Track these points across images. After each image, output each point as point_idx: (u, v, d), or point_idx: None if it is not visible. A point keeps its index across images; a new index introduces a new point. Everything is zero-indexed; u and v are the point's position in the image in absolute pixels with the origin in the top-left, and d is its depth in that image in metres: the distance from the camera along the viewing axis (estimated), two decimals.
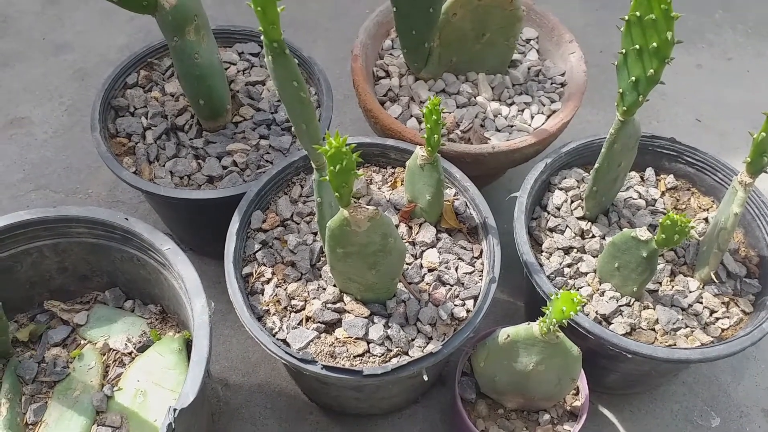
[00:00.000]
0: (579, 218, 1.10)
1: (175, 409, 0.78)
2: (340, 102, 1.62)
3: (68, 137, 1.54)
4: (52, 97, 1.63)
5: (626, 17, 0.80)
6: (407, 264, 1.00)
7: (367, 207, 0.79)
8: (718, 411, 1.18)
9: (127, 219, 0.96)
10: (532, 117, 1.21)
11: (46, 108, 1.60)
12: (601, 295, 1.02)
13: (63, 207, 0.98)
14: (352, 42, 1.26)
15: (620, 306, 1.01)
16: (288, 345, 0.91)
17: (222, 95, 1.13)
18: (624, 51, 0.83)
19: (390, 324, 0.93)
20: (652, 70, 0.81)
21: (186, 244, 1.32)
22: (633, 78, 0.84)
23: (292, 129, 1.18)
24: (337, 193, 0.74)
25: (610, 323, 1.00)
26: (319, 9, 1.86)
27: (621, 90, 0.87)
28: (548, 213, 1.12)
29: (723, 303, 1.03)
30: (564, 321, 0.79)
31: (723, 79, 1.76)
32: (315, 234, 1.03)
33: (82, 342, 1.01)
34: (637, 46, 0.80)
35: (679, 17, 0.75)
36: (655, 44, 0.78)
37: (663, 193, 1.16)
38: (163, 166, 1.13)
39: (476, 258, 1.02)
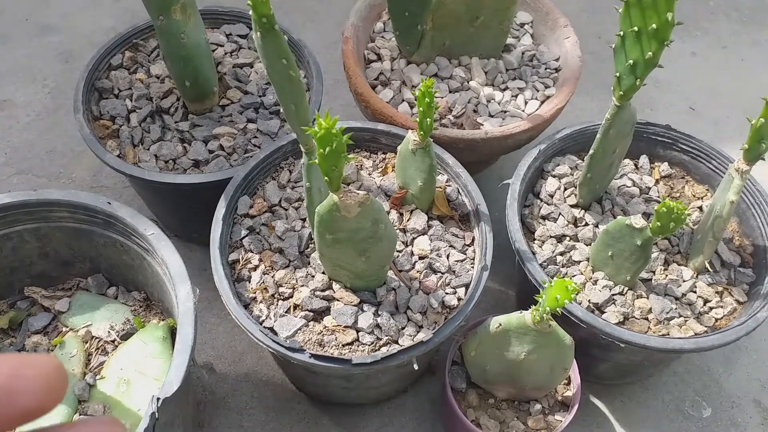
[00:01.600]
0: (572, 206, 1.08)
1: (158, 398, 0.76)
2: (330, 87, 1.59)
3: (52, 120, 1.51)
4: (35, 79, 1.59)
5: None
6: (398, 251, 0.98)
7: (358, 192, 0.76)
8: (710, 401, 1.17)
9: (110, 203, 0.93)
10: (526, 102, 1.19)
11: (29, 90, 1.57)
12: (594, 284, 1.01)
13: (44, 190, 0.95)
14: (342, 26, 1.23)
15: (613, 295, 0.99)
16: (275, 333, 0.89)
17: (208, 77, 1.10)
18: (622, 33, 0.81)
19: (380, 312, 0.91)
20: (650, 53, 0.79)
21: (171, 230, 1.29)
22: (630, 61, 0.82)
23: (281, 112, 1.16)
24: (326, 177, 0.72)
25: (603, 312, 0.98)
26: None
27: (618, 74, 0.85)
28: (541, 200, 1.10)
29: (717, 292, 1.01)
30: (558, 309, 0.77)
31: (717, 67, 1.74)
32: (303, 220, 1.00)
33: (64, 329, 0.98)
34: (636, 28, 0.78)
35: None
36: (654, 26, 0.76)
37: (657, 181, 1.14)
38: (148, 149, 1.10)
39: (468, 245, 1.00)
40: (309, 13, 1.78)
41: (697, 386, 1.18)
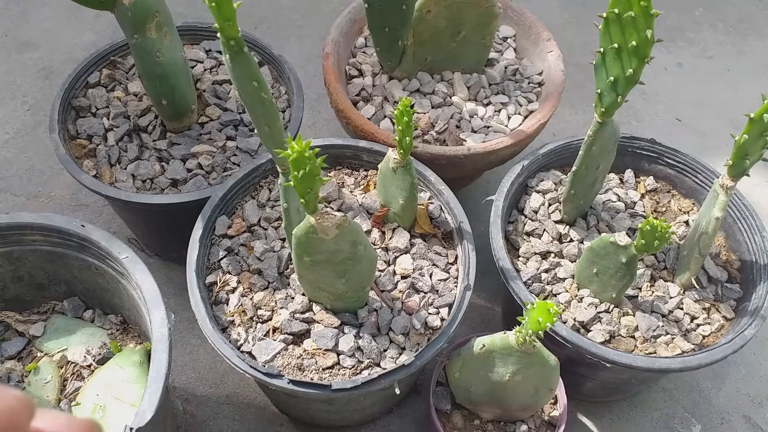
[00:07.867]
0: (557, 222, 1.07)
1: (131, 429, 0.73)
2: (315, 101, 1.57)
3: (31, 138, 1.48)
4: (14, 96, 1.57)
5: (604, 14, 0.77)
6: (380, 271, 0.96)
7: (335, 213, 0.75)
8: (699, 418, 1.15)
9: (83, 226, 0.91)
10: (509, 117, 1.18)
11: (9, 107, 1.54)
12: (579, 302, 0.99)
13: (16, 213, 0.92)
14: (326, 40, 1.21)
15: (599, 313, 0.98)
16: (254, 357, 0.87)
17: (186, 95, 1.08)
18: (602, 50, 0.80)
19: (361, 334, 0.89)
20: (631, 70, 0.78)
21: (152, 250, 1.27)
22: (611, 78, 0.81)
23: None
24: (302, 200, 0.70)
25: (588, 330, 0.97)
26: (291, 5, 1.82)
27: (599, 90, 0.84)
28: (525, 216, 1.08)
29: (704, 309, 1.00)
30: (540, 332, 0.75)
31: (703, 77, 1.73)
32: (283, 240, 0.98)
33: (39, 354, 0.96)
34: (616, 45, 0.77)
35: (659, 14, 0.72)
36: (634, 43, 0.75)
37: (643, 196, 1.13)
38: (125, 168, 1.08)
39: (451, 264, 0.99)
40: (293, 27, 1.77)
41: (686, 402, 1.17)
